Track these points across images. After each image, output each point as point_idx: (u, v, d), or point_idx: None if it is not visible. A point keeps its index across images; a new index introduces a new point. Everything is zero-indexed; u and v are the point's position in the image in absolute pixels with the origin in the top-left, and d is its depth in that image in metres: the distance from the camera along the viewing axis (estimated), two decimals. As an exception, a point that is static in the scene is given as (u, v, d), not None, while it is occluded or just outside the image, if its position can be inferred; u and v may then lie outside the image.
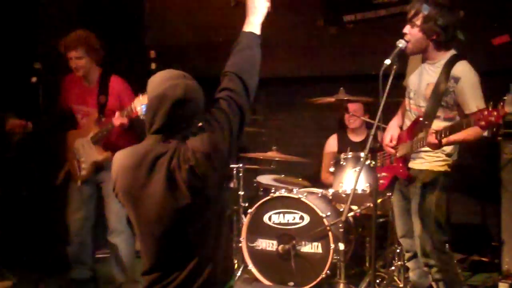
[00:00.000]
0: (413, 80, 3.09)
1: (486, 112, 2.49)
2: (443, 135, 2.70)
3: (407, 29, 2.90)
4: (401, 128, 3.22)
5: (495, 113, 2.46)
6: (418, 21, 2.86)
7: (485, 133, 2.85)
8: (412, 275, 3.28)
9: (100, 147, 3.72)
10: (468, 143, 2.88)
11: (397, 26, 3.01)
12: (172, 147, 1.95)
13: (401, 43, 2.82)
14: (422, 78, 3.01)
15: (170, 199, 1.93)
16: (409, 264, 3.28)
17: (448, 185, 2.98)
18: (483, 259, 4.30)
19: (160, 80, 2.01)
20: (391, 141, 3.13)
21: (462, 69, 2.85)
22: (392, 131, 3.17)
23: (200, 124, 2.00)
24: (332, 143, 4.69)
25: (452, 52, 2.94)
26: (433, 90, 2.91)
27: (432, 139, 2.73)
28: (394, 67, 2.73)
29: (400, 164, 2.99)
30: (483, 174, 4.17)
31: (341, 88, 4.05)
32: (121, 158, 2.05)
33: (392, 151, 3.11)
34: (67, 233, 3.87)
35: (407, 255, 3.28)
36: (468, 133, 2.73)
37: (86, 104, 3.76)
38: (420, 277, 3.20)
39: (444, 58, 2.92)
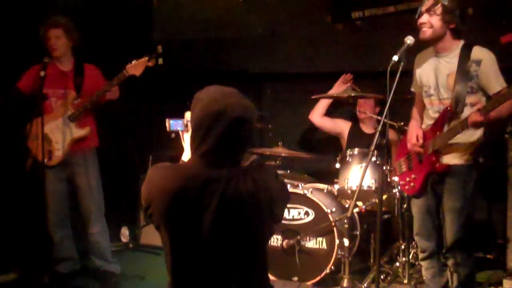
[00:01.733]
0: (429, 77, 3.11)
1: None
2: (487, 109, 2.77)
3: (425, 18, 2.96)
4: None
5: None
6: (438, 11, 2.93)
7: None
8: (426, 273, 3.28)
9: (78, 123, 3.79)
10: (504, 117, 2.94)
11: (405, 23, 3.02)
12: (226, 173, 1.79)
13: (409, 40, 2.82)
14: (440, 72, 3.05)
15: (224, 228, 1.79)
16: (424, 263, 3.28)
17: (478, 178, 3.03)
18: (488, 256, 4.30)
19: (214, 97, 1.82)
20: (417, 140, 3.13)
21: (481, 52, 2.93)
22: (415, 130, 3.18)
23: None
24: (340, 124, 4.68)
25: (462, 41, 3.01)
26: (456, 77, 2.95)
27: (477, 117, 2.79)
28: (402, 63, 2.74)
29: (434, 158, 3.00)
30: (490, 171, 4.16)
31: (348, 84, 4.06)
32: (160, 179, 1.83)
33: (421, 149, 3.12)
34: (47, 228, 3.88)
35: (421, 255, 3.28)
36: (504, 107, 2.82)
37: (63, 87, 3.82)
38: (434, 276, 3.21)
39: (457, 47, 2.99)
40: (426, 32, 2.95)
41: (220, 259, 1.83)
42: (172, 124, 2.11)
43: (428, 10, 2.94)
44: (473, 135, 2.98)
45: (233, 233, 1.80)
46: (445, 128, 3.00)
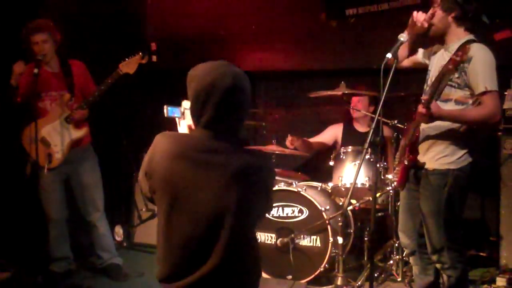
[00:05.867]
0: (431, 68, 3.03)
1: (453, 56, 2.61)
2: (429, 100, 2.70)
3: (431, 12, 2.89)
4: None
5: (459, 53, 2.59)
6: (436, 3, 2.88)
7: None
8: (413, 269, 3.28)
9: (75, 124, 3.81)
10: (470, 122, 2.80)
11: (399, 20, 3.00)
12: (227, 146, 1.90)
13: (402, 37, 2.80)
14: (438, 63, 2.95)
15: (223, 199, 1.87)
16: (410, 260, 3.28)
17: (462, 182, 2.88)
18: (481, 254, 4.31)
19: (205, 71, 1.93)
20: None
21: (477, 50, 2.76)
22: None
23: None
24: (330, 132, 4.66)
25: (470, 36, 2.89)
26: (440, 70, 2.85)
27: (419, 108, 2.73)
28: (396, 61, 2.72)
29: (407, 149, 2.94)
30: (483, 169, 4.16)
31: (342, 82, 4.05)
32: (164, 142, 1.93)
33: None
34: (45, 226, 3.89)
35: (406, 251, 3.28)
36: (469, 110, 2.75)
37: (55, 89, 3.81)
38: (419, 273, 3.20)
39: (460, 40, 2.87)
40: (431, 28, 2.89)
41: (212, 228, 1.87)
42: (170, 111, 2.20)
43: (431, 4, 2.90)
44: (452, 136, 2.86)
45: (229, 202, 1.87)
46: None
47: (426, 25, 2.89)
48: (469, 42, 2.84)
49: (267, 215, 3.88)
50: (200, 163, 1.88)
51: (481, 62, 2.77)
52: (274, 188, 3.90)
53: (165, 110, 2.19)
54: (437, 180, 2.89)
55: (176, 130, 2.18)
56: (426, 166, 2.94)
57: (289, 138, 4.39)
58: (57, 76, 3.83)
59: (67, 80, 3.81)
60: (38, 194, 3.80)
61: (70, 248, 4.02)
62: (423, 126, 2.94)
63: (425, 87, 3.06)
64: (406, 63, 3.15)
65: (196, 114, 1.94)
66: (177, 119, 2.19)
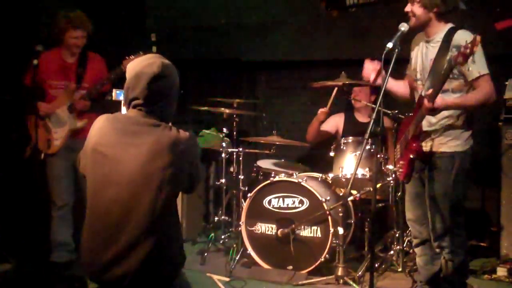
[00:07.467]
0: (418, 61, 3.09)
1: (462, 48, 2.60)
2: (433, 94, 2.73)
3: (408, 7, 2.95)
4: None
5: (469, 45, 2.57)
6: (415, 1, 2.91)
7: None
8: (418, 260, 3.29)
9: (77, 114, 3.87)
10: (471, 107, 2.88)
11: (400, 10, 3.00)
12: (154, 122, 2.14)
13: (403, 27, 2.80)
14: (426, 56, 3.03)
15: (150, 167, 2.07)
16: (417, 250, 3.28)
17: (467, 165, 2.98)
18: (482, 244, 4.32)
19: (137, 61, 2.21)
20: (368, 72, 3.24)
21: (464, 36, 2.82)
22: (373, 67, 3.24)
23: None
24: (332, 122, 4.65)
25: (450, 25, 2.97)
26: (433, 63, 2.93)
27: (425, 103, 2.77)
28: (396, 51, 2.71)
29: (413, 144, 2.96)
30: (484, 159, 4.16)
31: (343, 72, 4.03)
32: (100, 120, 2.20)
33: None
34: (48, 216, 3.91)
35: (415, 241, 3.28)
36: (468, 96, 2.81)
37: (64, 78, 3.90)
38: (426, 263, 3.21)
39: (443, 31, 2.95)
40: (411, 21, 2.93)
41: (136, 195, 2.07)
42: (118, 94, 2.62)
43: None
44: (455, 121, 2.94)
45: (153, 171, 2.08)
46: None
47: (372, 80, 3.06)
48: (452, 30, 2.91)
49: (267, 206, 3.90)
50: (127, 132, 2.13)
51: None
52: (274, 179, 3.94)
53: (113, 93, 2.34)
54: (445, 162, 2.96)
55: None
56: (433, 150, 3.00)
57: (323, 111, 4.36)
58: (70, 66, 3.92)
59: (78, 70, 3.90)
60: (43, 179, 3.87)
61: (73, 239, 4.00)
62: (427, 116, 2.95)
63: (417, 83, 3.08)
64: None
65: (128, 97, 2.20)
66: (122, 102, 2.39)
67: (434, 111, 2.81)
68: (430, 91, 2.79)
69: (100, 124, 2.19)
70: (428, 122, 2.99)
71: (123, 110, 2.45)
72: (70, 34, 3.81)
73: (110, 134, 2.14)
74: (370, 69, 3.22)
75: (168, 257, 2.13)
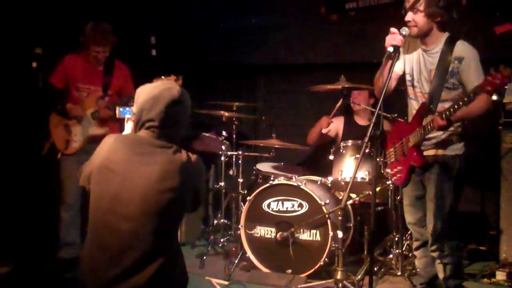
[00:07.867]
0: (414, 68, 3.09)
1: (490, 77, 2.55)
2: (448, 113, 2.75)
3: (409, 16, 2.92)
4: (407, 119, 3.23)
5: (499, 75, 2.53)
6: (421, 7, 2.88)
7: (494, 97, 2.94)
8: (418, 263, 3.30)
9: (99, 121, 4.00)
10: (475, 117, 2.90)
11: (400, 14, 3.00)
12: (166, 145, 2.17)
13: (404, 31, 2.80)
14: (425, 65, 3.03)
15: (161, 186, 2.10)
16: (417, 253, 3.29)
17: (465, 168, 3.01)
18: (481, 248, 4.32)
19: (154, 86, 2.25)
20: None
21: (464, 48, 2.89)
22: None
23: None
24: (332, 125, 4.61)
25: (447, 34, 2.98)
26: (435, 73, 2.95)
27: (439, 121, 2.78)
28: (397, 55, 2.72)
29: (415, 153, 2.98)
30: (483, 163, 4.16)
31: (342, 75, 4.04)
32: (114, 139, 2.20)
33: None
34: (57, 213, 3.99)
35: (415, 243, 3.29)
36: (472, 107, 2.79)
37: (92, 83, 4.02)
38: (426, 266, 3.23)
39: (441, 41, 2.96)
40: (412, 30, 2.91)
41: (142, 214, 2.08)
42: (122, 112, 2.50)
43: (411, 8, 2.90)
44: (456, 127, 2.97)
45: (164, 193, 2.10)
46: (424, 122, 2.97)
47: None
48: (451, 40, 2.92)
49: (267, 209, 3.90)
50: (139, 151, 2.15)
51: (472, 60, 2.90)
52: (273, 182, 3.94)
53: (116, 112, 2.49)
54: (446, 165, 3.00)
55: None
56: (435, 154, 3.02)
57: (327, 119, 4.36)
58: (98, 73, 4.04)
59: (104, 78, 4.03)
60: (56, 177, 3.98)
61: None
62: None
63: (413, 89, 3.08)
64: (393, 84, 3.17)
65: (140, 119, 2.21)
66: (126, 119, 2.48)
67: (446, 128, 2.84)
68: (443, 108, 2.81)
69: (111, 141, 2.20)
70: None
71: (127, 127, 2.50)
72: (93, 48, 3.92)
73: (122, 152, 2.15)
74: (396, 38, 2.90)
75: (174, 278, 2.15)
